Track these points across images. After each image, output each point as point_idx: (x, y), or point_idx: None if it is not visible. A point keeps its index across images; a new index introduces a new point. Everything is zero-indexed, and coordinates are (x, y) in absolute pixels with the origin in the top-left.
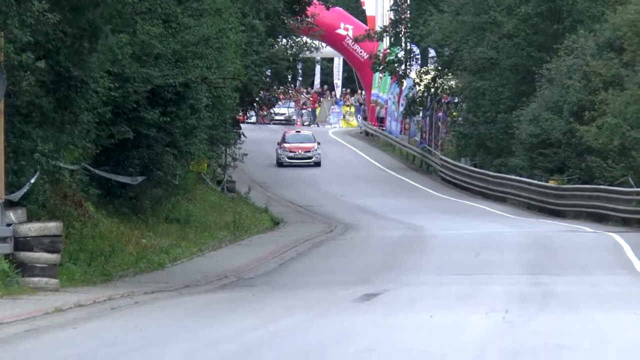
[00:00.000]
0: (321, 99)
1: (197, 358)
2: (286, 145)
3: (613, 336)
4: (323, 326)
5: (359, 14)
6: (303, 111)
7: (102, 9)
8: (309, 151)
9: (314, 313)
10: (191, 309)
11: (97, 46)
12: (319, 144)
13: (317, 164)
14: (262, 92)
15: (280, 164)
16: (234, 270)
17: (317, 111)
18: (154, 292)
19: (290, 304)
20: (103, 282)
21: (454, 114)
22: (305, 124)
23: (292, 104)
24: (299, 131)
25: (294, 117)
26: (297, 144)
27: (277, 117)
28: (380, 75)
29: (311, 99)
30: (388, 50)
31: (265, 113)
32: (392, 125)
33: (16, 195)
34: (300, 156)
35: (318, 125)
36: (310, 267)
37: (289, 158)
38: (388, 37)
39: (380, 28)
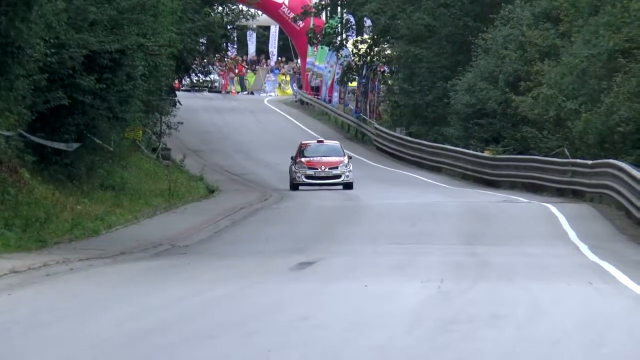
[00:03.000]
0: (256, 66)
1: (132, 325)
2: (304, 160)
3: (547, 306)
4: (258, 295)
5: None
6: (211, 77)
7: None
8: (336, 167)
9: (249, 282)
10: (126, 276)
11: (32, 14)
12: (350, 158)
13: (348, 186)
14: (197, 60)
15: (294, 185)
16: (168, 238)
17: (252, 79)
18: (89, 259)
19: (225, 272)
20: (38, 249)
21: (389, 82)
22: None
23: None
24: (321, 140)
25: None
26: (318, 159)
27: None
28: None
29: (236, 67)
30: (325, 23)
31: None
32: (326, 93)
33: None
34: (323, 175)
35: (253, 93)
36: (245, 235)
37: (308, 177)
38: (325, 10)
39: (316, 2)
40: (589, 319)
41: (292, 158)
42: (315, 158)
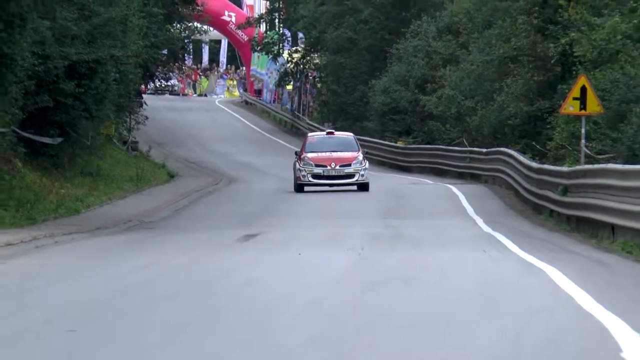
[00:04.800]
0: (209, 73)
1: (106, 289)
2: (310, 155)
3: (452, 270)
4: (212, 262)
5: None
6: (172, 82)
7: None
8: (349, 165)
9: (204, 251)
10: (102, 248)
11: (26, 30)
12: (365, 153)
13: (364, 187)
14: (159, 68)
15: (299, 186)
16: (137, 215)
17: (205, 84)
18: (71, 234)
19: (184, 244)
20: (28, 225)
21: (318, 86)
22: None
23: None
24: (331, 132)
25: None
26: (328, 154)
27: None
28: (258, 54)
29: (192, 74)
30: (264, 35)
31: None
32: (267, 95)
33: None
34: (333, 173)
35: (206, 96)
36: (200, 213)
37: (315, 177)
38: (265, 23)
39: (258, 15)
40: (484, 280)
41: (296, 154)
42: (324, 153)
